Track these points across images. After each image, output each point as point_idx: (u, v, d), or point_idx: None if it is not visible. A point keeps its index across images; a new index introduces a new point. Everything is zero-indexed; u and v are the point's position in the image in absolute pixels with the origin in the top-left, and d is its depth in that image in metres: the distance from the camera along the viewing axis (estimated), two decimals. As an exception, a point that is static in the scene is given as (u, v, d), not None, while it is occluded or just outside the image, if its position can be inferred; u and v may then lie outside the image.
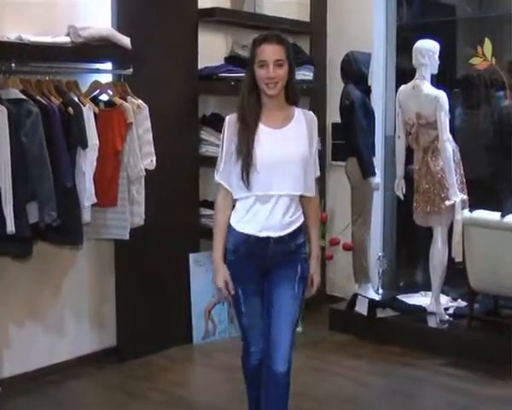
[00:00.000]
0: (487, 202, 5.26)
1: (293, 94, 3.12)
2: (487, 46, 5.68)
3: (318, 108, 5.93)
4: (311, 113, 3.24)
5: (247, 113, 3.05)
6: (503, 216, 4.76)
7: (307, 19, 5.99)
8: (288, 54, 3.04)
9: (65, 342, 4.70)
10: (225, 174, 3.11)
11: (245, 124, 3.04)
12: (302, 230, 3.17)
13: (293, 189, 3.10)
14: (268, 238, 3.08)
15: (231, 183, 3.09)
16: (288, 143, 3.07)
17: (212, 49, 5.29)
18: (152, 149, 4.49)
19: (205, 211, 5.20)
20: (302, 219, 3.17)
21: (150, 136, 4.49)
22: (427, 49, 5.08)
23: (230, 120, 3.10)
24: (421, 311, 5.30)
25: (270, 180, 3.03)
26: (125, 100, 4.42)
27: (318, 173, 3.25)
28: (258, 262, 3.12)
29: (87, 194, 4.17)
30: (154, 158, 4.50)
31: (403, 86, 5.27)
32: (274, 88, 3.02)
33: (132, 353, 4.85)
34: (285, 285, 3.12)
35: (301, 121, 3.14)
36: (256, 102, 3.07)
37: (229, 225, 3.15)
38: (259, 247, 3.09)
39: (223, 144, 3.11)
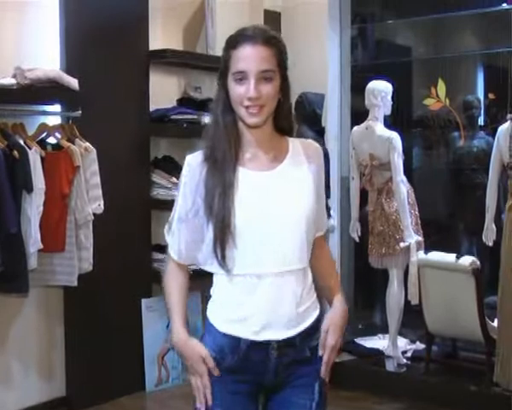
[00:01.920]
0: (443, 243, 5.27)
1: (287, 120, 2.15)
2: (441, 87, 5.74)
3: None
4: (312, 142, 2.22)
5: (219, 150, 2.05)
6: (458, 258, 4.75)
7: (261, 60, 5.94)
8: (281, 61, 2.05)
9: (12, 392, 4.53)
10: (180, 241, 2.12)
11: (217, 167, 2.03)
12: (320, 323, 2.13)
13: (298, 260, 2.07)
14: (269, 343, 2.06)
15: (196, 254, 2.11)
16: (283, 194, 2.07)
17: (164, 90, 5.24)
18: (100, 192, 4.40)
19: (157, 255, 5.08)
20: (318, 307, 2.15)
21: (98, 179, 4.40)
22: (380, 89, 5.10)
23: (193, 163, 2.08)
24: (378, 354, 5.24)
25: (260, 253, 2.03)
26: (73, 143, 4.34)
27: (325, 229, 2.27)
28: (253, 380, 2.10)
29: (32, 239, 4.05)
30: (102, 202, 4.42)
31: (356, 127, 5.28)
32: (258, 114, 2.02)
33: (83, 402, 4.70)
34: None
35: (300, 157, 2.13)
36: (234, 134, 2.07)
37: (207, 320, 2.14)
38: (256, 357, 2.06)
39: (179, 197, 2.11)
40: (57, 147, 4.34)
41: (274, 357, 2.06)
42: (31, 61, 4.31)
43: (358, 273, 6.08)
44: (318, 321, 2.13)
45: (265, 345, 2.06)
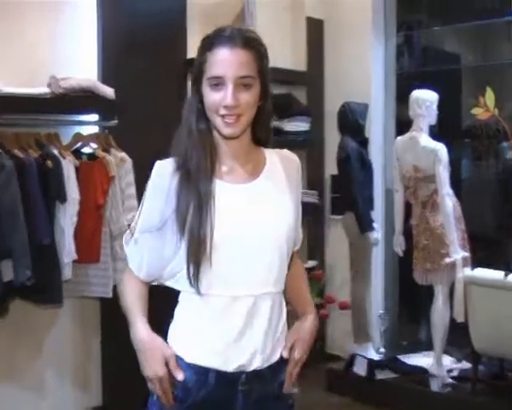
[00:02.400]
0: (491, 259, 5.08)
1: (266, 130, 1.98)
2: (489, 95, 5.55)
3: (316, 161, 5.90)
4: (288, 153, 2.06)
5: (192, 160, 1.88)
6: (506, 275, 4.55)
7: (304, 68, 5.88)
8: (262, 66, 1.89)
9: (46, 403, 4.53)
10: (142, 254, 1.96)
11: (191, 178, 1.86)
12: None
13: (276, 281, 1.92)
14: (239, 376, 1.88)
15: (159, 270, 1.96)
16: (262, 210, 1.91)
17: (202, 100, 5.18)
18: (135, 203, 4.30)
19: (193, 267, 5.03)
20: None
21: (133, 189, 4.34)
22: (424, 99, 4.93)
23: (163, 171, 1.92)
24: (422, 372, 5.05)
25: (237, 272, 1.87)
26: (108, 152, 4.30)
27: (299, 244, 2.11)
28: None
29: (66, 250, 4.03)
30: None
31: (399, 138, 5.13)
32: (235, 124, 1.86)
33: (119, 412, 4.67)
34: None
35: (277, 169, 1.99)
36: (208, 144, 1.90)
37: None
38: (223, 392, 1.88)
39: (143, 207, 1.94)
40: (92, 157, 4.30)
41: (242, 392, 1.88)
42: (67, 71, 4.29)
43: (403, 288, 5.96)
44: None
45: (234, 378, 1.87)
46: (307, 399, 5.11)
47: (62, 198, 3.99)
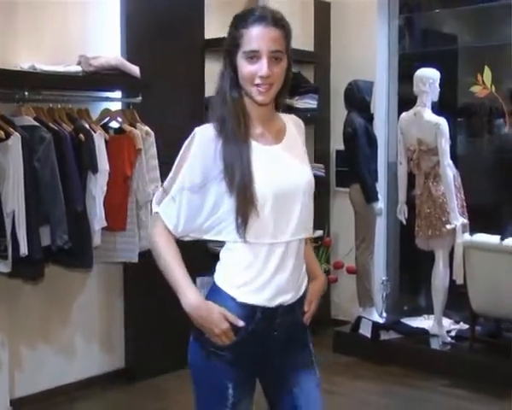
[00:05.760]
0: (488, 226, 5.35)
1: (283, 98, 2.24)
2: (487, 74, 5.81)
3: (323, 136, 6.08)
4: (296, 118, 2.33)
5: (229, 124, 2.09)
6: (502, 239, 4.86)
7: (311, 48, 6.09)
8: (288, 42, 2.13)
9: (74, 363, 4.76)
10: (180, 211, 2.12)
11: (231, 141, 2.08)
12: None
13: (305, 229, 2.19)
14: (278, 309, 2.14)
15: (194, 225, 2.14)
16: (290, 166, 2.16)
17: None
18: (158, 174, 4.57)
19: (212, 235, 5.27)
20: (307, 275, 2.29)
21: (156, 162, 4.59)
22: (428, 76, 5.21)
23: (205, 136, 2.11)
24: (423, 333, 5.36)
25: (278, 222, 2.10)
26: (135, 127, 4.54)
27: None
28: (258, 350, 2.16)
29: (97, 218, 4.26)
30: (160, 183, 4.59)
31: (404, 113, 5.38)
32: (267, 93, 2.09)
33: (141, 374, 4.91)
34: (306, 376, 2.26)
35: (294, 132, 2.26)
36: (242, 110, 2.13)
37: (219, 288, 2.17)
38: (266, 323, 2.13)
39: (183, 168, 2.11)
40: (119, 131, 4.55)
41: (278, 323, 2.13)
42: (94, 50, 4.53)
43: (404, 255, 6.19)
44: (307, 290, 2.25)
45: (275, 312, 2.12)
46: (317, 359, 5.40)
47: (94, 169, 4.23)
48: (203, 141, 2.10)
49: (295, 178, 2.15)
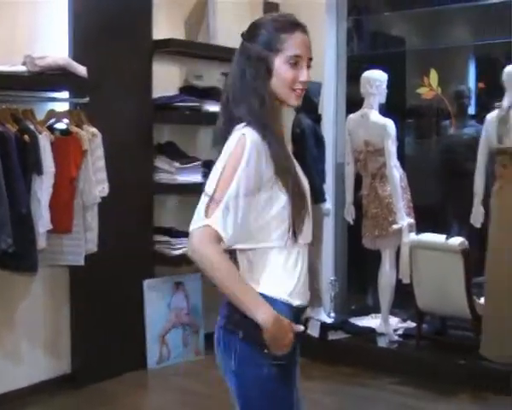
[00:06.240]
0: (435, 225, 5.45)
1: None
2: (433, 76, 5.91)
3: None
4: None
5: (270, 128, 2.08)
6: (448, 238, 4.94)
7: (260, 49, 6.07)
8: None
9: (21, 369, 4.67)
10: (235, 219, 2.04)
11: (277, 143, 2.08)
12: None
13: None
14: (303, 309, 2.21)
15: (244, 232, 2.08)
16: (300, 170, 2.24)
17: (167, 78, 5.39)
18: (104, 176, 4.55)
19: (159, 237, 5.27)
20: None
21: (103, 163, 4.55)
22: (375, 78, 5.26)
23: (255, 140, 2.05)
24: (371, 332, 5.43)
25: (307, 223, 2.17)
26: (81, 128, 4.49)
27: None
28: (294, 350, 2.18)
29: (42, 220, 4.20)
30: (107, 185, 4.57)
31: (352, 115, 5.44)
32: (300, 97, 2.14)
33: (87, 379, 4.84)
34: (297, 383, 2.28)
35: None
36: (277, 112, 2.15)
37: (271, 298, 2.09)
38: (297, 322, 2.15)
39: (238, 174, 2.03)
40: (65, 132, 4.48)
41: (300, 321, 2.16)
42: (41, 50, 4.45)
43: (352, 255, 6.25)
44: None
45: (303, 311, 2.19)
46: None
47: (39, 171, 4.16)
48: (255, 145, 2.05)
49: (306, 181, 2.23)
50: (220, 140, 2.14)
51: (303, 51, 2.11)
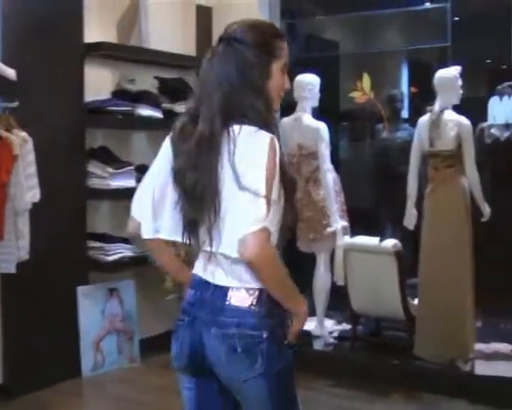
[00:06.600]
0: (369, 228, 5.50)
1: None
2: (366, 80, 5.98)
3: None
4: None
5: (276, 133, 2.10)
6: (381, 241, 5.01)
7: (193, 53, 6.07)
8: None
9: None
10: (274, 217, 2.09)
11: (279, 145, 2.10)
12: None
13: None
14: None
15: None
16: None
17: (99, 82, 5.32)
18: (35, 181, 4.47)
19: (93, 243, 5.20)
20: None
21: (34, 169, 4.47)
22: (307, 82, 5.30)
23: (276, 143, 2.07)
24: (306, 335, 5.43)
25: None
26: (11, 133, 4.39)
27: None
28: None
29: (-29, 227, 4.12)
30: (38, 191, 4.49)
31: (285, 119, 5.45)
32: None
33: (21, 389, 4.73)
34: None
35: None
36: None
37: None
38: None
39: (274, 176, 2.04)
40: (-5, 137, 4.41)
41: None
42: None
43: (286, 258, 6.21)
44: None
45: None
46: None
47: (-32, 176, 4.09)
48: (277, 147, 2.06)
49: None
50: (215, 138, 2.07)
51: (287, 60, 2.19)
